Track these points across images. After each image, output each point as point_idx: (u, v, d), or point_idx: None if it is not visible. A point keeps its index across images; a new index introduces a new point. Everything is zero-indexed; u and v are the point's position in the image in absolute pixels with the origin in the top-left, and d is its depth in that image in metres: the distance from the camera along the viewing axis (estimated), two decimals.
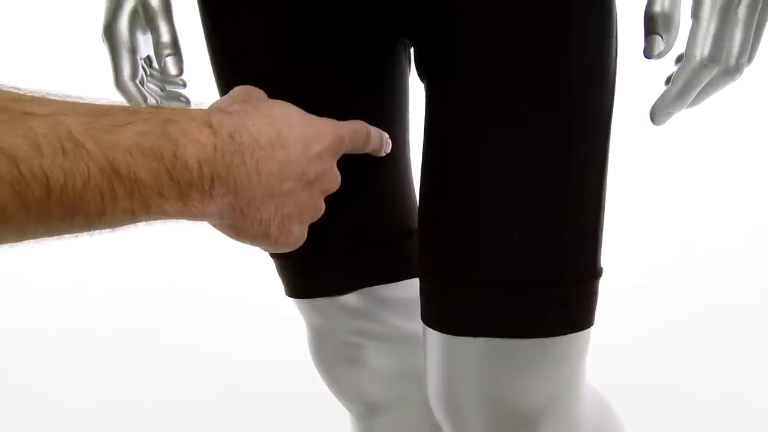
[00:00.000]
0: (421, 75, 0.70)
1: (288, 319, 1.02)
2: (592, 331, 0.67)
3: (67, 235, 0.45)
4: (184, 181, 0.45)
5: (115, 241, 2.24)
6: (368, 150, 0.65)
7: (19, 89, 0.41)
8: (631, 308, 1.90)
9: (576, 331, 0.64)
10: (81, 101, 0.43)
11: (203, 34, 0.72)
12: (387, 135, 0.68)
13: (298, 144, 0.53)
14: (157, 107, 0.47)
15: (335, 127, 0.58)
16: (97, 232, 0.45)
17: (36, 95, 0.41)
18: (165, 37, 0.71)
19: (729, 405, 1.50)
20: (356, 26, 0.68)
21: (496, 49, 0.61)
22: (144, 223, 0.46)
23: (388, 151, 0.68)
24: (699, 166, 2.65)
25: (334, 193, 0.71)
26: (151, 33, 0.72)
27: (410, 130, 0.76)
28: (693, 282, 2.02)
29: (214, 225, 0.52)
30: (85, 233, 0.44)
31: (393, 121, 0.73)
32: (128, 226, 0.45)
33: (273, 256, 0.75)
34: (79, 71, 2.35)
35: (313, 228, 0.72)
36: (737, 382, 1.57)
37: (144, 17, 0.71)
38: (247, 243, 0.54)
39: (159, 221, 0.47)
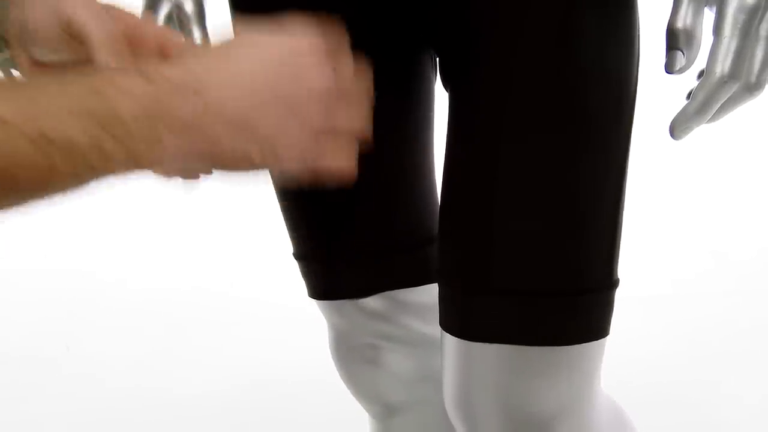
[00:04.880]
0: (445, 84, 0.71)
1: (311, 321, 1.03)
2: (614, 339, 0.68)
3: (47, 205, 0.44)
4: (125, 135, 0.44)
5: (151, 242, 2.27)
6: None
7: None
8: (655, 318, 1.88)
9: (590, 341, 0.64)
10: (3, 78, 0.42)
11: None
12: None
13: (264, 59, 0.49)
14: (88, 67, 0.46)
15: (319, 39, 0.53)
16: (54, 196, 0.44)
17: None
18: (197, 41, 0.73)
19: (756, 421, 1.48)
20: (384, 35, 0.69)
21: (516, 62, 0.62)
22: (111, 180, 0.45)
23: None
24: (726, 175, 2.62)
25: (358, 197, 0.72)
26: (184, 37, 0.73)
27: (434, 136, 0.77)
28: (721, 293, 1.99)
29: (196, 166, 0.50)
30: (42, 201, 0.44)
31: (418, 127, 0.75)
32: (85, 187, 0.44)
33: (296, 258, 0.77)
34: None
35: (336, 231, 0.74)
36: (766, 396, 1.55)
37: (177, 21, 0.73)
38: (238, 182, 0.51)
39: (117, 178, 0.45)
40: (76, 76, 0.45)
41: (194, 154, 0.47)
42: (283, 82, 0.49)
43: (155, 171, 0.48)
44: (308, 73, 0.50)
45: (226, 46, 0.50)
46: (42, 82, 0.44)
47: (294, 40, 0.51)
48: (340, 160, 0.53)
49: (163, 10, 0.74)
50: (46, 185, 0.43)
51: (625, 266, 0.67)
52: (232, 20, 0.73)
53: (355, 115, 0.53)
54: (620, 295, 0.67)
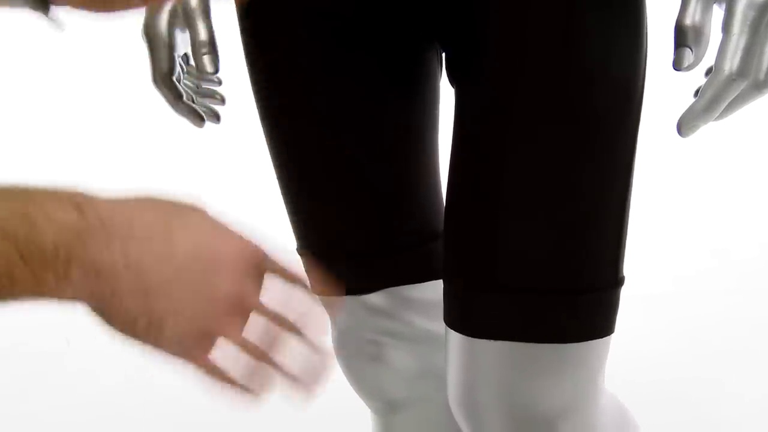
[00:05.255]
0: (451, 80, 0.70)
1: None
2: (618, 337, 0.68)
3: None
4: (38, 264, 0.44)
5: None
6: (291, 279, 0.53)
7: None
8: (658, 316, 1.88)
9: (594, 339, 0.64)
10: None
11: (240, 35, 0.73)
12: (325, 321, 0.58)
13: (190, 240, 0.48)
14: (27, 188, 0.45)
15: (252, 242, 0.51)
16: None
17: None
18: (202, 35, 0.73)
19: (759, 420, 1.48)
20: (389, 30, 0.69)
21: (523, 60, 0.61)
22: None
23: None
24: (728, 174, 2.62)
25: (363, 193, 0.72)
26: (189, 31, 0.73)
27: (440, 132, 0.77)
28: (722, 291, 1.99)
29: (89, 309, 0.49)
30: None
31: (424, 124, 0.74)
32: None
33: (300, 253, 0.77)
34: (118, 68, 2.39)
35: (340, 227, 0.73)
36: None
37: (183, 16, 0.73)
38: (117, 332, 0.50)
39: (12, 301, 0.45)
40: (18, 196, 0.45)
41: (94, 299, 0.47)
42: (197, 276, 0.48)
43: (50, 300, 0.47)
44: (223, 279, 0.49)
45: (175, 211, 0.50)
46: None
47: (230, 243, 0.50)
48: (209, 369, 0.52)
49: (168, 4, 0.73)
50: None
51: (627, 264, 0.67)
52: (238, 15, 0.73)
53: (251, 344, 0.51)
54: (623, 294, 0.67)
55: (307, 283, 0.53)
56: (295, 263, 0.52)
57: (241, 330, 0.51)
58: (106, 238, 0.46)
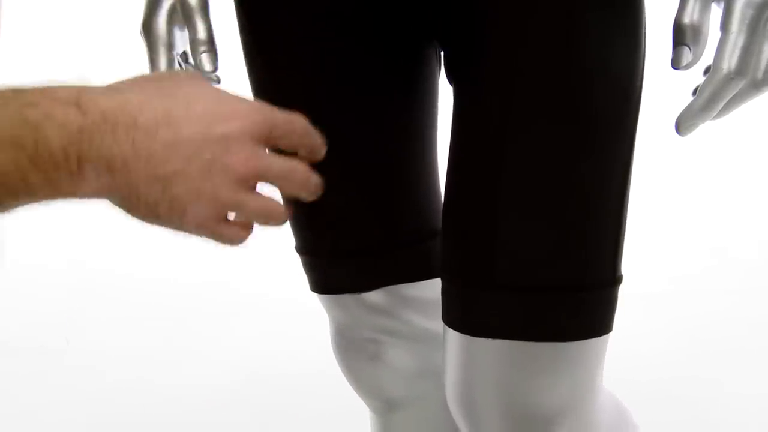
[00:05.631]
0: (450, 78, 0.70)
1: (312, 315, 1.03)
2: (616, 336, 0.68)
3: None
4: (50, 166, 0.45)
5: (151, 235, 2.27)
6: (302, 148, 0.56)
7: None
8: (656, 315, 1.88)
9: (593, 337, 0.64)
10: None
11: (239, 33, 0.73)
12: (322, 145, 0.58)
13: (195, 123, 0.49)
14: (19, 90, 0.45)
15: (259, 110, 0.52)
16: None
17: None
18: (201, 34, 0.73)
19: (757, 419, 1.48)
20: (388, 29, 0.69)
21: (522, 59, 0.61)
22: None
23: (317, 159, 0.58)
24: (727, 173, 2.62)
25: (362, 191, 0.72)
26: (188, 30, 0.73)
27: (438, 131, 0.77)
28: (721, 291, 2.00)
29: (110, 202, 0.50)
30: None
31: (422, 123, 0.74)
32: (7, 210, 0.46)
33: (298, 252, 0.77)
34: (117, 66, 2.39)
35: (338, 226, 0.73)
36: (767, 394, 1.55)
37: (182, 14, 0.73)
38: (143, 221, 0.51)
39: (37, 203, 0.47)
40: (6, 99, 0.45)
41: (111, 193, 0.48)
42: (208, 157, 0.49)
43: (70, 199, 0.48)
44: (233, 155, 0.50)
45: (172, 90, 0.50)
46: None
47: (233, 115, 0.51)
48: (234, 237, 0.53)
49: (167, 3, 0.73)
50: None
51: (626, 263, 0.67)
52: (237, 13, 0.73)
53: (265, 202, 0.53)
54: (621, 292, 0.67)
55: (315, 139, 0.55)
56: (298, 119, 0.54)
57: (256, 195, 0.52)
58: (111, 132, 0.46)
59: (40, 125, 0.44)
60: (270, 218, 0.54)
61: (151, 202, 0.49)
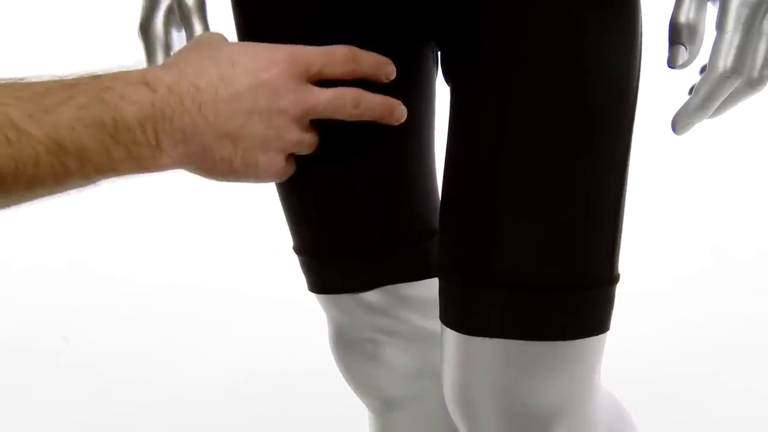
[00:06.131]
0: (447, 78, 0.71)
1: (310, 315, 1.03)
2: (616, 336, 0.68)
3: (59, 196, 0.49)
4: (131, 142, 0.49)
5: (150, 235, 2.28)
6: (360, 72, 0.62)
7: None
8: (656, 314, 1.89)
9: (590, 336, 0.64)
10: (23, 83, 0.47)
11: (236, 34, 0.73)
12: (388, 60, 0.64)
13: (243, 77, 0.54)
14: (95, 76, 0.50)
15: (293, 51, 0.57)
16: (66, 193, 0.49)
17: None
18: (199, 34, 0.73)
19: (756, 418, 1.48)
20: (384, 28, 0.69)
21: (520, 58, 0.61)
22: (115, 179, 0.51)
23: (392, 77, 0.64)
24: (727, 172, 2.62)
25: (360, 191, 0.72)
26: (186, 31, 0.73)
27: (436, 130, 0.77)
28: (721, 290, 2.00)
29: (187, 170, 0.55)
30: (52, 196, 0.49)
31: (419, 121, 0.75)
32: (95, 184, 0.50)
33: (296, 252, 0.77)
34: (115, 67, 2.39)
35: (336, 226, 0.74)
36: (767, 394, 1.55)
37: (179, 15, 0.73)
38: (221, 180, 0.56)
39: (125, 177, 0.51)
40: (85, 85, 0.49)
41: (189, 159, 0.53)
42: (261, 97, 0.54)
43: (152, 172, 0.52)
44: (286, 100, 0.55)
45: (214, 53, 0.55)
46: (53, 87, 0.48)
47: (271, 57, 0.56)
48: (291, 171, 0.60)
49: (164, 4, 0.74)
50: (59, 185, 0.48)
51: (626, 262, 0.67)
52: (234, 13, 0.73)
53: (316, 135, 0.60)
54: (621, 292, 0.67)
55: (368, 59, 0.61)
56: (338, 49, 0.59)
57: (311, 131, 0.59)
58: (180, 102, 0.51)
59: (117, 105, 0.49)
60: (311, 150, 0.61)
61: (226, 158, 0.54)
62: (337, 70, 0.59)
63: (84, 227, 2.31)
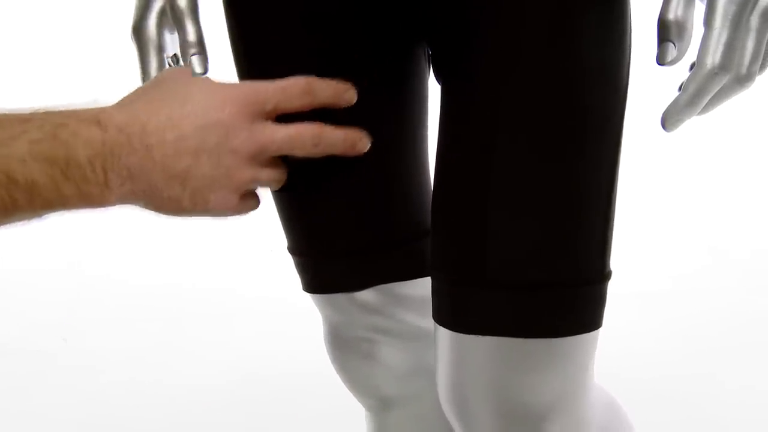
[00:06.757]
0: (438, 77, 0.71)
1: (305, 314, 1.03)
2: (613, 335, 0.68)
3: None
4: (80, 179, 0.50)
5: (148, 238, 2.28)
6: (318, 103, 0.61)
7: None
8: (653, 313, 1.89)
9: (582, 333, 0.64)
10: None
11: (228, 36, 0.74)
12: (348, 86, 0.63)
13: (192, 118, 0.54)
14: (50, 112, 0.51)
15: (248, 88, 0.57)
16: (11, 224, 0.50)
17: None
18: (191, 36, 0.73)
19: (752, 415, 1.48)
20: (376, 29, 0.69)
21: (514, 57, 0.62)
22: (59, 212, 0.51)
23: (352, 102, 0.63)
24: (724, 172, 2.63)
25: (354, 191, 0.72)
26: (178, 32, 0.73)
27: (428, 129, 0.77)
28: (718, 290, 2.00)
29: (138, 206, 0.56)
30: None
31: (413, 121, 0.75)
32: (42, 217, 0.51)
33: (290, 252, 0.77)
34: (107, 68, 2.39)
35: (330, 226, 0.74)
36: (763, 393, 1.55)
37: (171, 17, 0.73)
38: (172, 216, 0.57)
39: (69, 211, 0.51)
40: (40, 120, 0.50)
41: (137, 197, 0.54)
42: (211, 137, 0.55)
43: (99, 208, 0.54)
44: (237, 139, 0.55)
45: (170, 92, 0.56)
46: (7, 121, 0.49)
47: (225, 95, 0.56)
48: (252, 207, 0.60)
49: (157, 5, 0.74)
50: (5, 217, 0.49)
51: (623, 262, 0.67)
52: (225, 15, 0.73)
53: (275, 171, 0.60)
54: (618, 291, 0.67)
55: (328, 89, 0.60)
56: (294, 82, 0.59)
57: (266, 167, 0.58)
58: (128, 142, 0.52)
59: (69, 143, 0.50)
60: (279, 183, 0.61)
61: (174, 197, 0.54)
62: (294, 105, 0.59)
63: (82, 229, 2.31)
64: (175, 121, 0.54)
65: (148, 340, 1.82)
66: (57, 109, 0.52)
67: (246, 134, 0.56)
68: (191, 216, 0.57)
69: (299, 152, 0.59)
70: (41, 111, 0.51)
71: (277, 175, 0.60)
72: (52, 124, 0.50)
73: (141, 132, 0.52)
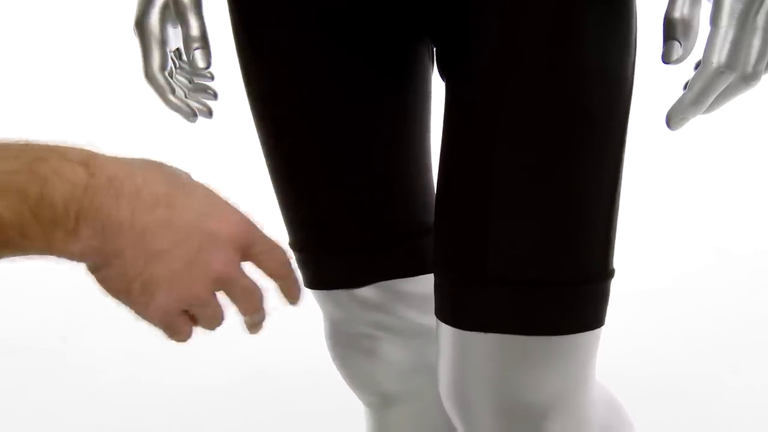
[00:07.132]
0: (442, 74, 0.71)
1: (307, 311, 1.03)
2: (614, 333, 0.68)
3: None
4: (48, 220, 0.45)
5: None
6: (276, 279, 0.57)
7: None
8: (656, 312, 1.88)
9: (584, 331, 0.64)
10: None
11: (231, 31, 0.73)
12: (296, 299, 0.59)
13: (190, 211, 0.50)
14: (30, 144, 0.46)
15: (248, 223, 0.54)
16: None
17: None
18: (194, 30, 0.73)
19: (754, 414, 1.48)
20: (379, 26, 0.69)
21: (516, 56, 0.62)
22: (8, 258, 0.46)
23: (294, 304, 0.59)
24: (728, 171, 2.62)
25: (355, 188, 0.72)
26: (181, 27, 0.73)
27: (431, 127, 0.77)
28: (721, 288, 2.00)
29: (86, 267, 0.50)
30: None
31: (415, 119, 0.75)
32: None
33: (292, 248, 0.77)
34: (111, 63, 2.39)
35: (332, 222, 0.74)
36: (765, 391, 1.55)
37: (174, 11, 0.73)
38: (108, 294, 0.51)
39: (23, 257, 0.47)
40: (18, 151, 0.45)
41: (97, 255, 0.48)
42: (194, 248, 0.50)
43: (56, 257, 0.48)
44: (216, 255, 0.51)
45: (171, 175, 0.51)
46: None
47: (226, 219, 0.52)
48: (184, 334, 0.55)
49: (160, 0, 0.73)
50: None
51: (626, 260, 0.67)
52: (229, 9, 0.73)
53: (217, 312, 0.55)
54: (621, 290, 0.67)
55: (288, 270, 0.55)
56: (280, 249, 0.55)
57: (216, 301, 0.54)
58: (114, 196, 0.47)
59: (47, 179, 0.45)
60: (210, 328, 0.56)
61: (129, 275, 0.49)
62: (267, 265, 0.55)
63: None
64: (172, 202, 0.49)
65: (148, 339, 1.81)
66: (42, 144, 0.47)
67: (225, 258, 0.51)
68: (123, 305, 0.51)
69: (240, 304, 0.55)
70: (21, 142, 0.46)
71: (219, 317, 0.56)
72: (30, 157, 0.45)
73: (133, 193, 0.47)
